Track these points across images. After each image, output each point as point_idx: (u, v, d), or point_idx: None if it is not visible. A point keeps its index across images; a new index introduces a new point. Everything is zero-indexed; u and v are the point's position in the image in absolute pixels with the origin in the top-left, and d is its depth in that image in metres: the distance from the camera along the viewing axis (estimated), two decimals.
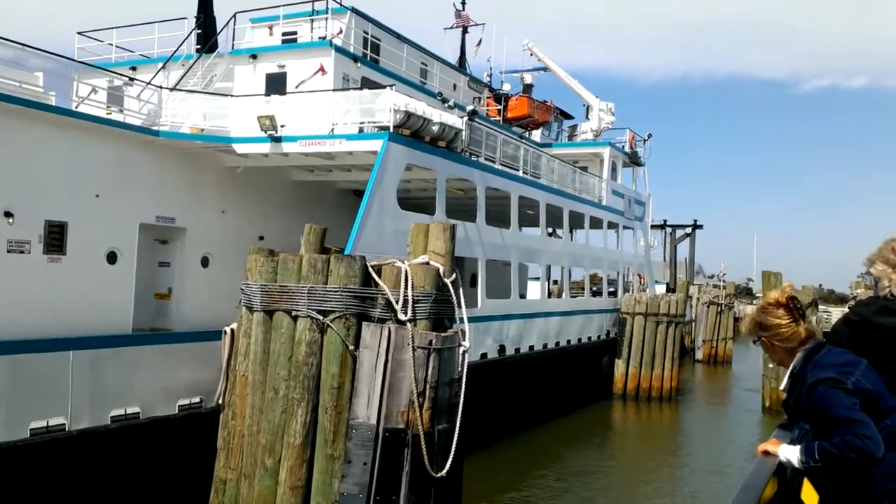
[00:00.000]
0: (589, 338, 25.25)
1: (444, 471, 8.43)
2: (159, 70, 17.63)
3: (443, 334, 8.54)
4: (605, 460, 18.28)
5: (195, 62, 17.59)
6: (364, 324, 8.27)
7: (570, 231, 30.86)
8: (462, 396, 8.82)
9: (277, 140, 15.59)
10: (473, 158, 18.68)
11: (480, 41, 30.52)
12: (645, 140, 31.97)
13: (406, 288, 8.41)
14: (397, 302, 8.34)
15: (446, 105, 20.20)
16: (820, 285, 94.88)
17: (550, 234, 28.93)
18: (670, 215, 53.73)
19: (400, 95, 14.83)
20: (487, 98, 26.79)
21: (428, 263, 8.75)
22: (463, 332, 8.90)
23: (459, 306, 9.06)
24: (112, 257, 14.66)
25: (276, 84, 17.50)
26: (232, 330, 9.44)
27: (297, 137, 15.42)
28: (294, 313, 8.42)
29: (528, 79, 32.31)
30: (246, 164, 18.01)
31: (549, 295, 30.11)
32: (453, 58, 29.44)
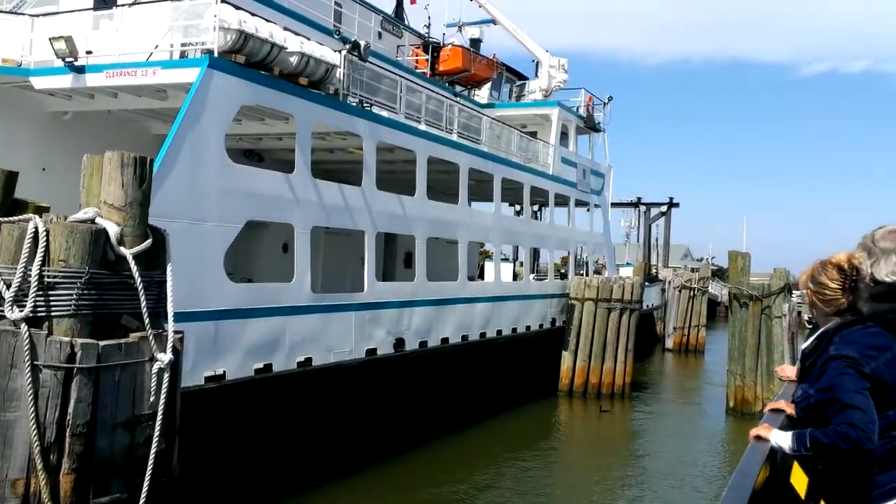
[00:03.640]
0: (528, 327, 21.73)
1: None
2: None
3: (105, 343, 4.98)
4: (535, 470, 14.84)
5: None
6: None
7: (538, 208, 27.57)
8: (158, 442, 5.31)
9: (80, 71, 11.93)
10: (366, 108, 15.03)
11: None
12: (605, 103, 28.32)
13: (30, 263, 4.84)
14: (8, 286, 4.77)
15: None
16: None
17: (518, 213, 25.46)
18: (663, 197, 49.98)
19: (232, 10, 11.14)
20: (416, 47, 23.08)
21: (92, 222, 5.17)
22: (161, 337, 5.35)
23: (163, 296, 5.53)
24: None
25: (107, 4, 13.77)
26: None
27: (103, 67, 11.78)
28: None
29: (476, 33, 28.58)
30: (76, 109, 14.37)
31: (515, 277, 26.70)
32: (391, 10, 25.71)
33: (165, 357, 5.26)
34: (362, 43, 14.59)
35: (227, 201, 10.88)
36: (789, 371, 4.90)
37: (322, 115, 13.22)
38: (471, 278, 22.76)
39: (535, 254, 30.08)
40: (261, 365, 11.58)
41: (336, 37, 17.31)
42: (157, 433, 5.24)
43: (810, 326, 3.84)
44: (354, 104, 14.61)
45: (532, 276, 27.45)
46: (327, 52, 12.96)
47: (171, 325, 5.36)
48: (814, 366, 3.47)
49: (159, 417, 5.25)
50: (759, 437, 3.57)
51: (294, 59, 12.14)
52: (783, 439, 3.45)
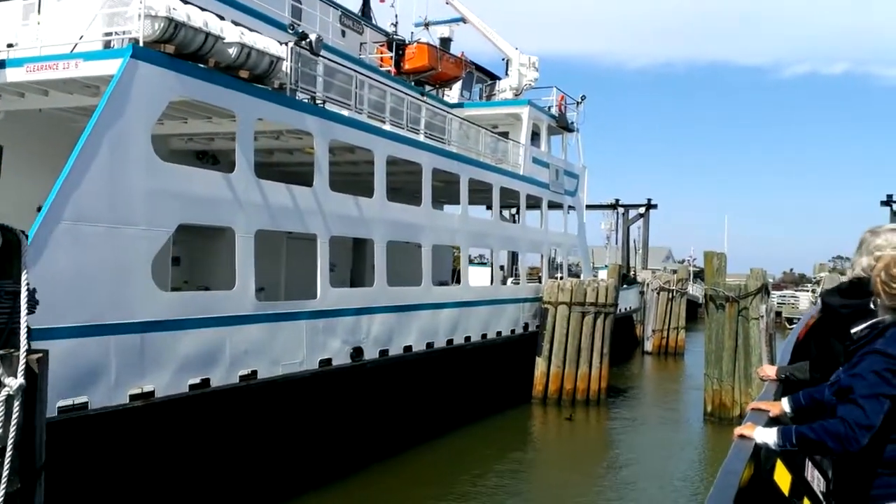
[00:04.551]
0: (499, 333, 20.97)
1: None
2: None
3: None
4: (504, 483, 14.05)
5: None
6: None
7: (515, 212, 26.76)
8: (10, 482, 4.49)
9: None
10: (319, 104, 14.22)
11: None
12: (578, 103, 27.65)
13: None
14: None
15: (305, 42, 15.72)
16: (791, 269, 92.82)
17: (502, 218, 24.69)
18: (646, 199, 49.27)
19: None
20: (380, 45, 22.31)
21: None
22: (9, 358, 4.52)
23: (17, 309, 4.72)
24: None
25: None
26: None
27: (23, 60, 10.92)
28: None
29: (446, 32, 27.85)
30: (6, 108, 13.46)
31: (492, 281, 25.93)
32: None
33: (15, 382, 4.43)
34: (313, 36, 13.80)
35: (155, 203, 10.03)
36: (769, 371, 4.90)
37: (266, 111, 12.39)
38: (443, 283, 21.98)
39: (514, 257, 29.41)
40: (197, 380, 10.71)
41: (290, 32, 16.51)
42: (6, 471, 4.42)
43: (791, 327, 3.46)
44: (305, 100, 13.81)
45: (511, 279, 26.71)
46: (271, 44, 12.15)
47: (23, 344, 4.53)
48: (856, 351, 3.43)
49: (9, 452, 4.42)
50: (742, 436, 3.57)
51: (233, 51, 11.31)
52: (768, 436, 3.48)
